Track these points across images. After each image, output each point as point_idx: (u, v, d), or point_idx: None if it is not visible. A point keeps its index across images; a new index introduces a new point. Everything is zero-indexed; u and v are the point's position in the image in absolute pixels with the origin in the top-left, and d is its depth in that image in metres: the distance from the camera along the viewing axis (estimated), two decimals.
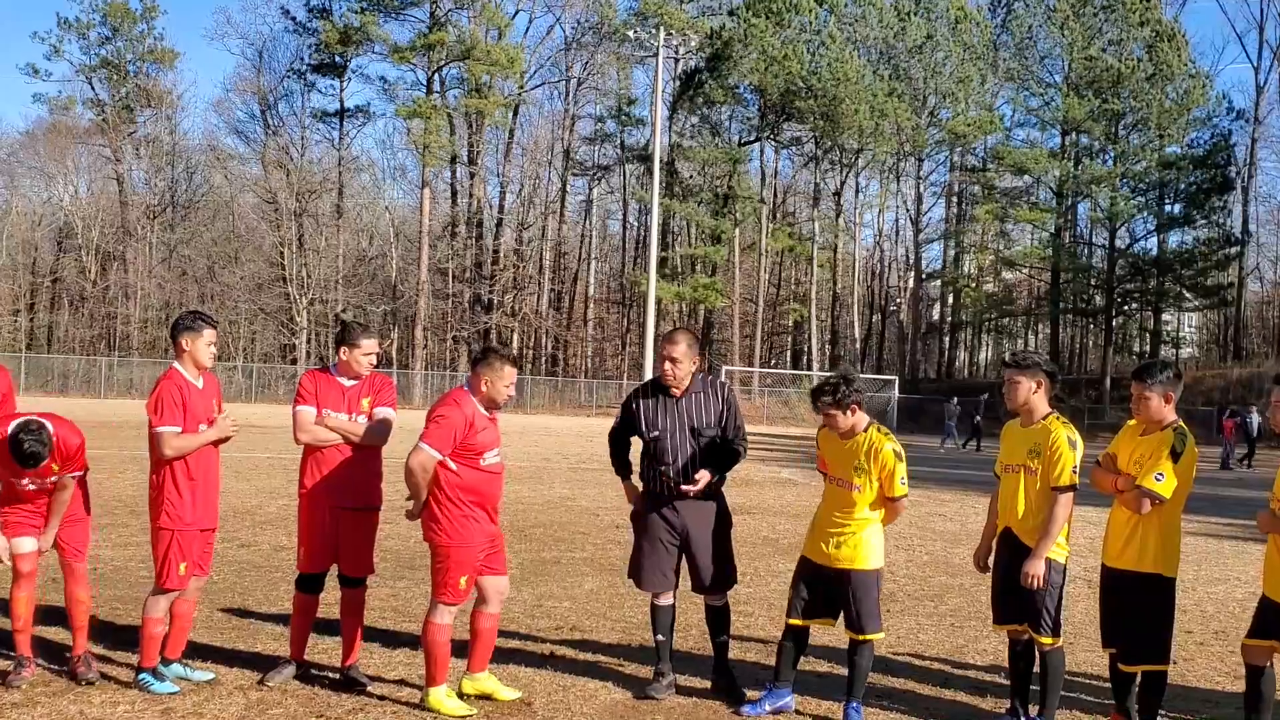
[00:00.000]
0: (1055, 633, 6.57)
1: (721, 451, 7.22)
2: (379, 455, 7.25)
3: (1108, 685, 6.91)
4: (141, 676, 6.80)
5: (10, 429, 6.55)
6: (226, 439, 7.07)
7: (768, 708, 6.88)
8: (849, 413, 6.74)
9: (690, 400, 7.22)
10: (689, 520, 7.18)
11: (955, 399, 48.52)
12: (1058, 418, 6.58)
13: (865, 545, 6.75)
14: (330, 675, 7.20)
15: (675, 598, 7.31)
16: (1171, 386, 6.46)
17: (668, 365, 7.14)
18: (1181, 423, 6.44)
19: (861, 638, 6.73)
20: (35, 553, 6.97)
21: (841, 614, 6.85)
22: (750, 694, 7.16)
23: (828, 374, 6.98)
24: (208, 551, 7.08)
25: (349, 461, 7.05)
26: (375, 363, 7.35)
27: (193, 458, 6.83)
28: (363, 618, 7.29)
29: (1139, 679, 6.49)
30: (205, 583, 7.28)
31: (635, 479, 7.44)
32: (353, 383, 7.17)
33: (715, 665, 7.38)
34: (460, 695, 6.79)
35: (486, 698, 6.82)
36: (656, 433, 7.18)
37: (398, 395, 7.98)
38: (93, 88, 75.02)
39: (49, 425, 6.63)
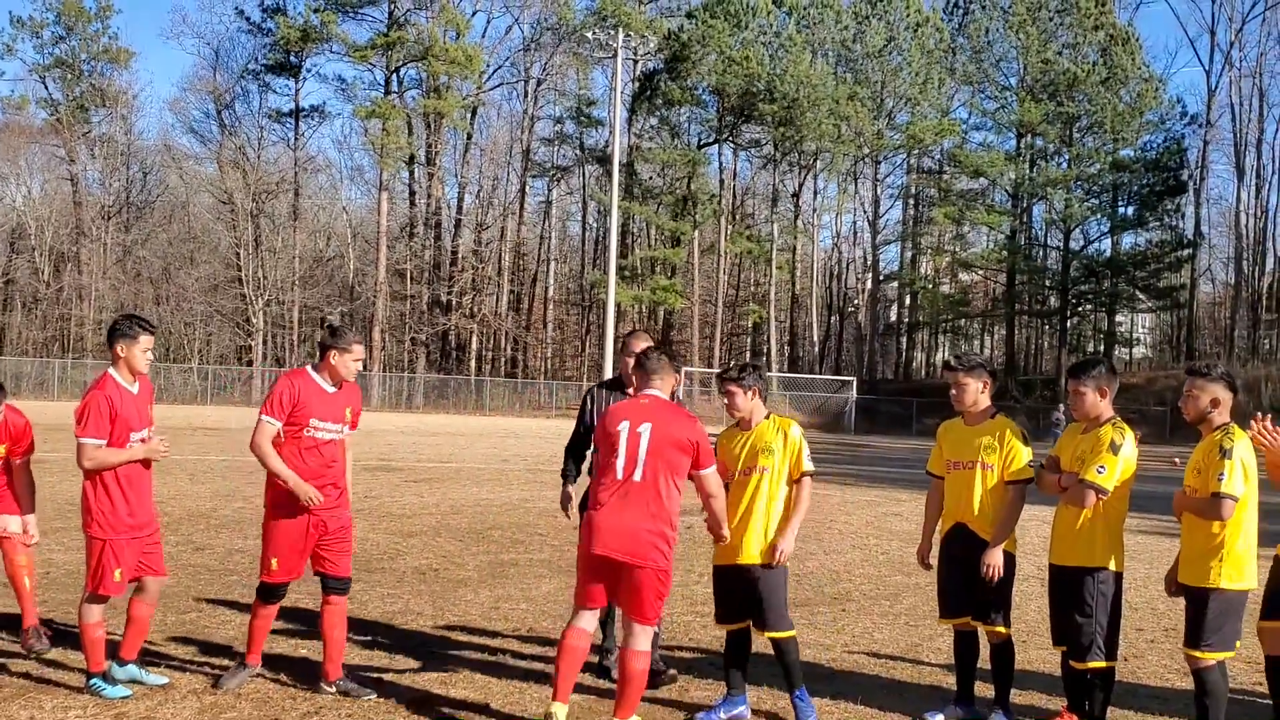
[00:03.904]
0: (1006, 623, 6.73)
1: None
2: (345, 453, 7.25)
3: (1060, 682, 6.99)
4: (92, 682, 6.75)
5: None
6: (154, 459, 6.99)
7: (723, 715, 6.74)
8: (749, 394, 6.77)
9: None
10: None
11: (1062, 406, 48.71)
12: (1004, 414, 6.86)
13: (768, 539, 6.63)
14: (285, 679, 7.16)
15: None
16: (1105, 381, 6.59)
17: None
18: (1120, 418, 6.55)
19: (774, 636, 6.63)
20: None
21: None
22: (696, 693, 7.19)
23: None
24: (154, 553, 6.99)
25: (325, 464, 6.98)
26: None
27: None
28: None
29: (1089, 676, 6.56)
30: (162, 584, 7.20)
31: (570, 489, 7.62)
32: (334, 389, 7.07)
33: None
34: None
35: None
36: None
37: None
38: (46, 87, 74.07)
39: None
